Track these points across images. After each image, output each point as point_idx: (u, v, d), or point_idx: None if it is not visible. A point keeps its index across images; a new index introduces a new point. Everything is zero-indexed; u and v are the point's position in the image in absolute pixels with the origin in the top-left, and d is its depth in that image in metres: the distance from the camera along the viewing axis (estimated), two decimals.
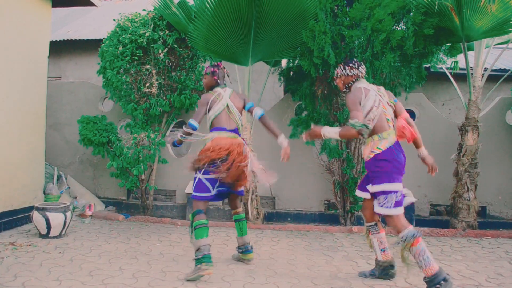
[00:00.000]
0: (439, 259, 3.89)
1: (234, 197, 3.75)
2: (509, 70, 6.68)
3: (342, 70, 3.25)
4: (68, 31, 9.06)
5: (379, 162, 3.00)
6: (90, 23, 9.51)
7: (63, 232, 4.43)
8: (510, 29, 4.77)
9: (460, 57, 5.92)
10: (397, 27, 5.03)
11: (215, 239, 4.53)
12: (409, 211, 5.50)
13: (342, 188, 5.39)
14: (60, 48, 8.45)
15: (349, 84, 3.25)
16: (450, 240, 4.70)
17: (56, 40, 8.19)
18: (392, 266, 3.29)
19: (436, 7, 4.82)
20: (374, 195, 3.09)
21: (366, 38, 4.87)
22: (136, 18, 5.72)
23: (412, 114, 6.02)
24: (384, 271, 3.28)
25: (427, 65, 5.78)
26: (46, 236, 4.32)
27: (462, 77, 6.38)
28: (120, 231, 4.81)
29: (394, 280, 3.28)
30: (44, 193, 5.47)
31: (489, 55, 5.42)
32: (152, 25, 5.59)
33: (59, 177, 6.28)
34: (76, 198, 6.10)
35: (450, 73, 5.79)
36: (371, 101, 3.03)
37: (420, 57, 5.21)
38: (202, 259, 3.16)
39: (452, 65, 6.04)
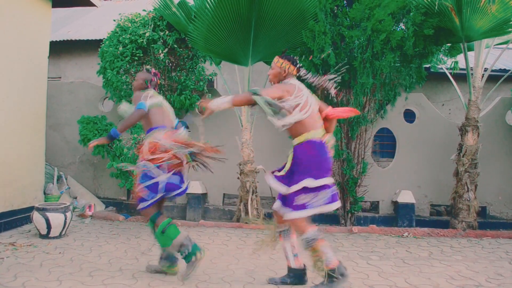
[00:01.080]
0: (439, 260, 3.90)
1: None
2: (509, 70, 6.69)
3: (293, 63, 3.02)
4: (68, 31, 9.06)
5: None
6: (90, 24, 9.50)
7: (63, 233, 4.43)
8: (510, 30, 4.78)
9: (460, 57, 5.92)
10: (397, 27, 5.03)
11: (215, 240, 4.53)
12: (409, 211, 5.52)
13: (342, 188, 5.39)
14: (60, 49, 8.44)
15: (283, 80, 3.05)
16: (450, 241, 4.70)
17: (56, 41, 8.18)
18: (305, 273, 3.11)
19: (436, 7, 4.83)
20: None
21: (366, 38, 4.87)
22: (136, 18, 5.72)
23: (412, 114, 6.03)
24: (297, 278, 3.09)
25: (427, 65, 5.79)
26: (46, 236, 4.32)
27: (462, 77, 6.38)
28: (120, 231, 4.81)
29: (394, 280, 3.28)
30: (44, 193, 5.47)
31: (489, 55, 5.42)
32: (152, 25, 5.59)
33: (59, 178, 6.27)
34: (76, 198, 6.10)
35: (450, 73, 5.79)
36: (304, 97, 2.93)
37: (420, 57, 5.22)
38: (192, 252, 3.08)
39: (452, 65, 6.05)
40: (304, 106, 2.89)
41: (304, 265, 3.10)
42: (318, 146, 2.89)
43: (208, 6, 4.77)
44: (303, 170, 2.85)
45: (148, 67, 5.57)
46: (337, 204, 2.94)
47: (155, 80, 3.53)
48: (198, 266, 3.14)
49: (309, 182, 2.81)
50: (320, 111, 3.05)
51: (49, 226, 4.28)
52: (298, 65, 3.08)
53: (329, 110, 3.06)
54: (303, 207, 2.83)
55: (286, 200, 2.92)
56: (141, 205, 3.17)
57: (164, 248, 3.22)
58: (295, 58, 3.11)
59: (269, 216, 5.98)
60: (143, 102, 3.25)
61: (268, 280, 3.17)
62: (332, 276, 2.80)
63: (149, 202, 3.14)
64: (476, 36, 4.94)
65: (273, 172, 3.06)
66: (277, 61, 3.07)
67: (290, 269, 3.11)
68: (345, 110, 3.16)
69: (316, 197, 2.84)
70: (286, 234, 3.10)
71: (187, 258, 3.11)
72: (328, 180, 2.87)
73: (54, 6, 5.56)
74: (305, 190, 2.83)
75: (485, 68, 5.37)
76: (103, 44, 5.72)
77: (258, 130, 5.92)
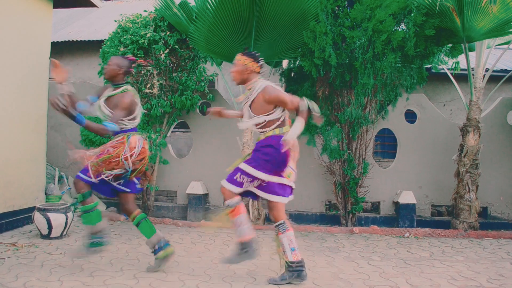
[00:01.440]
0: (440, 260, 3.90)
1: (126, 198, 3.43)
2: (510, 70, 6.68)
3: (255, 60, 3.09)
4: (69, 32, 9.07)
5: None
6: (91, 24, 9.52)
7: (64, 233, 4.43)
8: (511, 30, 4.77)
9: (461, 58, 5.92)
10: (398, 28, 5.03)
11: (216, 240, 4.54)
12: (410, 212, 5.52)
13: (343, 189, 5.39)
14: (62, 49, 8.46)
15: (247, 77, 3.14)
16: (452, 241, 4.70)
17: (57, 41, 8.19)
18: (302, 267, 3.09)
19: (437, 8, 4.82)
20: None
21: (367, 38, 4.87)
22: (137, 19, 5.72)
23: (413, 115, 6.02)
24: (296, 272, 3.07)
25: (428, 66, 5.79)
26: (47, 236, 4.32)
27: (463, 77, 6.37)
28: (121, 231, 4.81)
29: (395, 280, 3.28)
30: (46, 193, 5.47)
31: (490, 55, 5.41)
32: (153, 26, 5.59)
33: (60, 178, 6.28)
34: (77, 199, 6.10)
35: (451, 73, 5.78)
36: None
37: (421, 57, 5.21)
38: (99, 243, 3.26)
39: (453, 65, 6.04)
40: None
41: (302, 259, 3.11)
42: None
43: (209, 7, 4.78)
44: (255, 157, 3.03)
45: (149, 67, 5.58)
46: (270, 197, 3.08)
47: (130, 68, 3.56)
48: (94, 254, 3.31)
49: (248, 169, 2.99)
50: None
51: (50, 227, 4.28)
52: (260, 62, 3.12)
53: None
54: (239, 184, 3.00)
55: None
56: (81, 174, 3.29)
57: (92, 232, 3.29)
58: (257, 54, 3.13)
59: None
60: (114, 126, 3.41)
61: (269, 281, 3.17)
62: (243, 247, 2.99)
63: (87, 178, 3.27)
64: (477, 36, 4.94)
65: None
66: (239, 58, 3.11)
67: (288, 264, 3.10)
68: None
69: (250, 182, 3.02)
70: (283, 228, 3.11)
71: (94, 244, 3.25)
72: (265, 176, 2.99)
73: (55, 6, 5.56)
74: (246, 173, 3.00)
75: (486, 69, 5.37)
76: (104, 45, 5.73)
77: None
